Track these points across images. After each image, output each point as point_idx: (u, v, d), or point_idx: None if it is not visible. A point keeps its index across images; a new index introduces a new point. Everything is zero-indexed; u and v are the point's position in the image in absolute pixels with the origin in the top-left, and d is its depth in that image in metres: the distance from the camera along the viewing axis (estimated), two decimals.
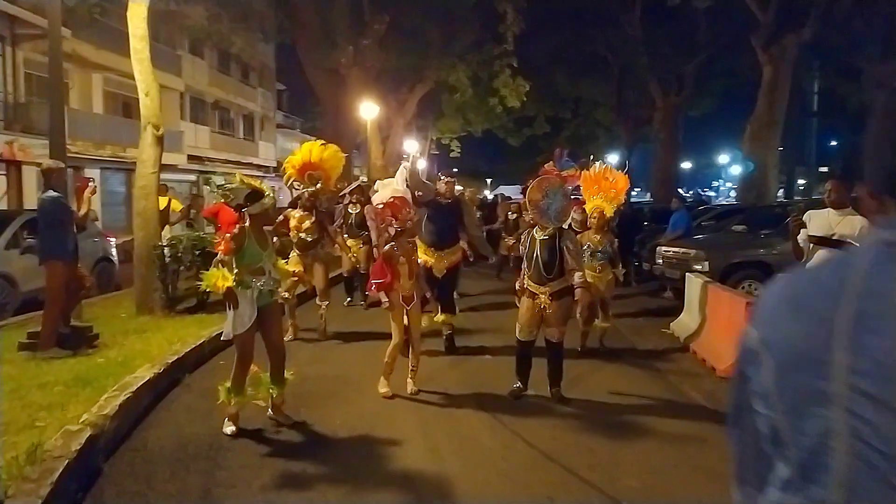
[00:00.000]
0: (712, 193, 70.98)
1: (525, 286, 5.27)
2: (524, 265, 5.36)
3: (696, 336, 7.06)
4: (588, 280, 6.81)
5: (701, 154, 56.94)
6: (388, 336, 5.35)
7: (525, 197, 14.35)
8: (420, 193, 6.66)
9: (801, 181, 40.29)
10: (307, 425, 4.63)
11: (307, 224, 7.14)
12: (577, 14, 26.65)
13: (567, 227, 5.59)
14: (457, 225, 6.87)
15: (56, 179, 6.26)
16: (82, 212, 6.46)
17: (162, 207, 8.97)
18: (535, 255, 5.18)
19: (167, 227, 10.12)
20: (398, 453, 4.19)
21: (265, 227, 4.63)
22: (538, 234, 5.22)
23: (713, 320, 6.74)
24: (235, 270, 4.37)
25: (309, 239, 7.17)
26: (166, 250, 8.04)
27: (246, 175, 4.67)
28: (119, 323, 7.47)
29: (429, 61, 22.88)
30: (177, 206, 11.23)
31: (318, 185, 7.27)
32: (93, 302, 8.26)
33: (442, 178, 7.02)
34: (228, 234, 4.37)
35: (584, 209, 6.97)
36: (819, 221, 4.85)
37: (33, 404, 4.49)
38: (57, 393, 4.73)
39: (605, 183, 6.88)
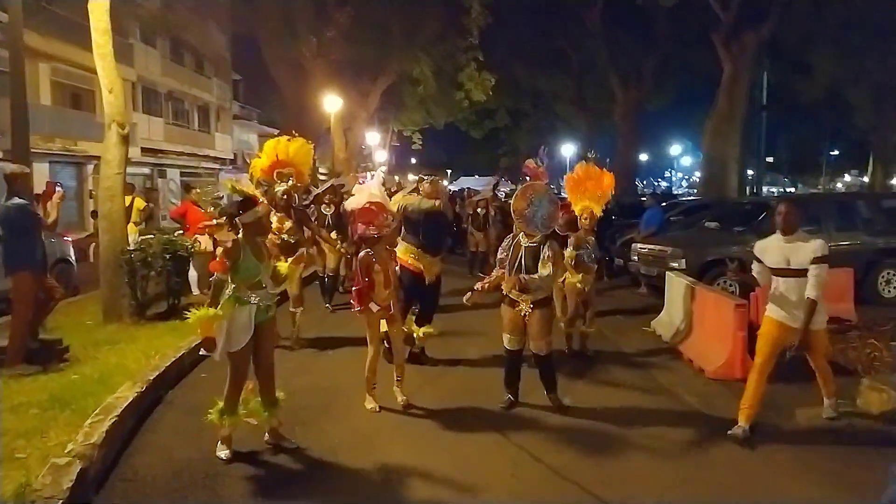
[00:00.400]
0: (665, 184, 72.57)
1: (505, 293, 5.12)
2: (505, 271, 5.10)
3: (680, 337, 7.11)
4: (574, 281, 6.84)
5: (653, 146, 57.81)
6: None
7: (492, 191, 14.15)
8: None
9: (749, 172, 41.50)
10: (304, 447, 4.43)
11: (288, 225, 6.88)
12: (538, 8, 26.70)
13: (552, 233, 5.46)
14: (447, 227, 6.70)
15: (21, 185, 5.87)
16: (51, 219, 6.07)
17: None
18: (518, 261, 5.03)
19: (131, 225, 9.69)
20: (405, 476, 4.05)
21: (259, 238, 4.40)
22: (524, 241, 5.06)
23: (700, 323, 6.78)
24: (232, 286, 4.14)
25: (292, 241, 6.91)
26: (135, 255, 7.66)
27: (235, 180, 4.40)
28: (87, 332, 7.10)
29: (392, 53, 22.59)
30: (140, 204, 10.79)
31: (291, 182, 7.01)
32: (55, 308, 7.83)
33: (425, 178, 6.82)
34: (219, 248, 4.13)
35: (570, 211, 6.91)
36: (773, 253, 4.72)
37: (9, 431, 4.18)
38: (33, 417, 4.43)
39: (589, 183, 6.81)
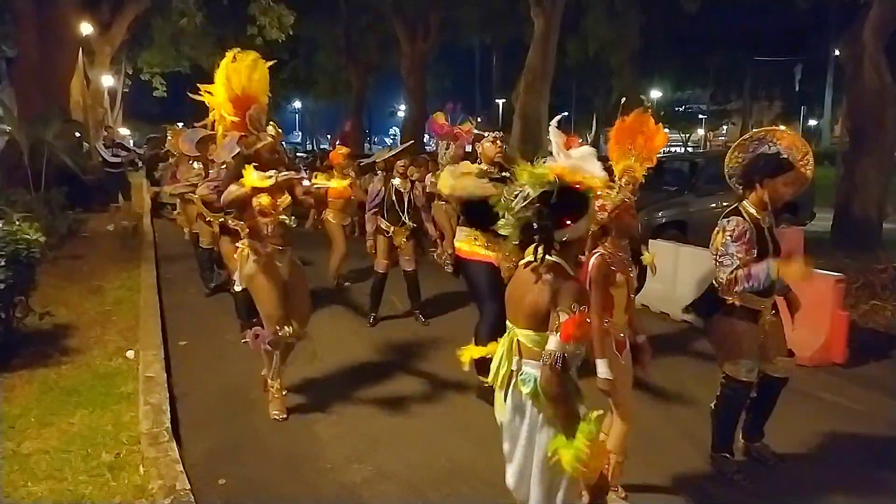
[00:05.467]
0: (390, 141, 73.76)
1: (740, 303, 3.43)
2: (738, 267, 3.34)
3: None
4: None
5: (380, 105, 56.83)
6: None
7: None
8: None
9: None
10: None
11: (285, 200, 4.22)
12: None
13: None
14: None
15: None
16: None
17: None
18: (766, 249, 3.41)
19: None
20: None
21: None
22: (765, 220, 3.45)
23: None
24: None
25: (293, 224, 4.29)
26: None
27: (536, 165, 2.11)
28: None
29: None
30: None
31: (275, 129, 4.41)
32: None
33: (488, 135, 4.77)
34: (578, 304, 1.96)
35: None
36: None
37: None
38: None
39: (640, 138, 5.42)
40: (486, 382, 2.38)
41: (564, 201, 2.09)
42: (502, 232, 2.28)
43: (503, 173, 4.58)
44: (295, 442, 3.82)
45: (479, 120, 8.53)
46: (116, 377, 4.45)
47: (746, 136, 3.70)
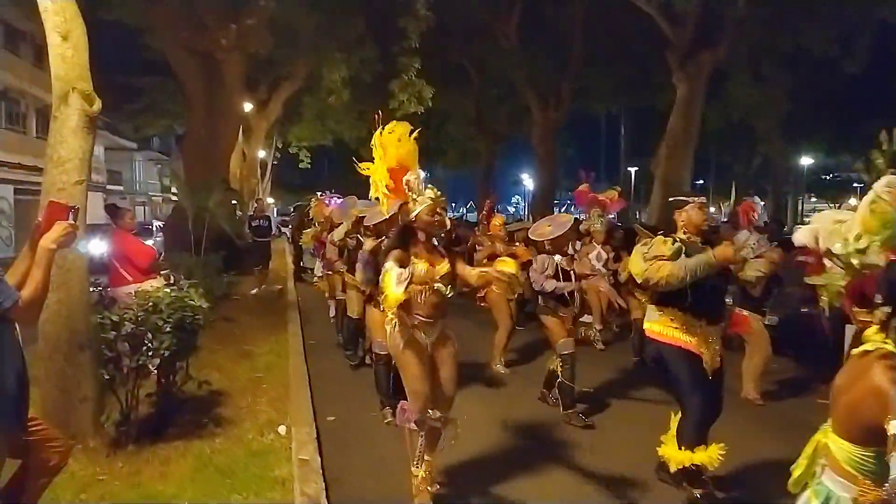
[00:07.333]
0: (512, 210, 73.73)
1: None
2: None
3: None
4: None
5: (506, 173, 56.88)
6: None
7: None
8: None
9: None
10: None
11: (443, 267, 3.89)
12: (440, 23, 24.60)
13: None
14: (727, 280, 4.18)
15: None
16: None
17: None
18: None
19: None
20: None
21: None
22: None
23: None
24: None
25: (450, 295, 3.94)
26: (124, 324, 4.26)
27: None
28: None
29: (304, 54, 19.44)
30: None
31: (432, 191, 4.08)
32: None
33: (693, 201, 4.18)
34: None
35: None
36: None
37: None
38: None
39: None
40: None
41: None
42: (818, 282, 1.78)
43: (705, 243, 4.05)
44: None
45: (619, 188, 8.11)
46: (269, 455, 4.23)
47: None
